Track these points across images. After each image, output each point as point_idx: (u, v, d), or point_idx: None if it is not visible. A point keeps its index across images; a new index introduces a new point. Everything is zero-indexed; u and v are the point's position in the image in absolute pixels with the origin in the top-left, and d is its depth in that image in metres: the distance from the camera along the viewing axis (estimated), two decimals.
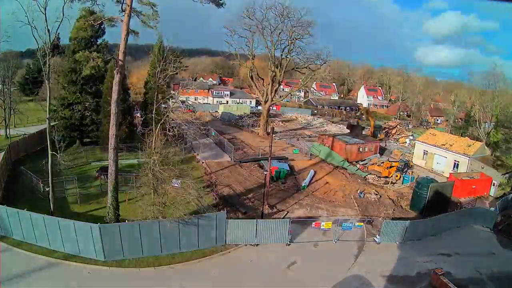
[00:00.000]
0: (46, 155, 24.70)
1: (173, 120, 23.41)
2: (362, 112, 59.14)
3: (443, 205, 28.24)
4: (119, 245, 19.10)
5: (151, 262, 19.32)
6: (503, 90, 55.33)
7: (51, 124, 26.89)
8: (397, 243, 23.36)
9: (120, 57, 19.57)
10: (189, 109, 72.80)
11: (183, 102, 76.13)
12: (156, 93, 22.97)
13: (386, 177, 35.82)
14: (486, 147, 40.77)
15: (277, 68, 50.40)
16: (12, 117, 44.22)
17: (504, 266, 21.74)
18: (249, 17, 47.88)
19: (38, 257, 19.09)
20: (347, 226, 23.19)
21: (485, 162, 35.98)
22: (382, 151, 45.84)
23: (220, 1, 22.03)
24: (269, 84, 51.41)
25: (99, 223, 18.96)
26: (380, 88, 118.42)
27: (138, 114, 47.10)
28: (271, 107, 58.13)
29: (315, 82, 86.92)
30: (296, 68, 55.25)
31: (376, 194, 30.69)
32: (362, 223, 24.38)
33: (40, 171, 28.45)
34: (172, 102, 25.71)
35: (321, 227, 23.06)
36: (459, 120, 70.51)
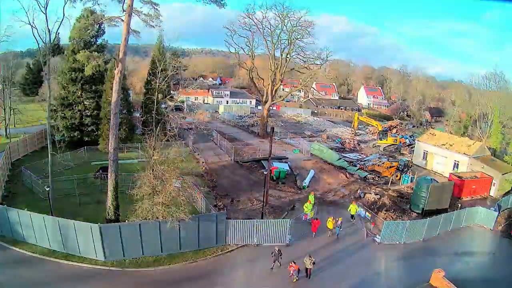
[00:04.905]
0: (46, 155, 24.74)
1: (174, 118, 23.44)
2: (356, 123, 54.64)
3: (443, 205, 28.26)
4: (119, 245, 19.09)
5: (151, 262, 19.32)
6: (504, 90, 55.39)
7: (51, 124, 26.89)
8: (397, 243, 23.36)
9: (120, 57, 19.58)
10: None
11: (182, 102, 76.39)
12: (156, 93, 22.97)
13: (386, 177, 35.80)
14: (486, 147, 40.74)
15: (277, 68, 50.41)
16: (12, 117, 44.26)
17: (503, 266, 21.74)
18: (249, 17, 47.96)
19: (38, 257, 19.09)
20: (360, 212, 24.59)
21: (485, 162, 35.95)
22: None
23: (221, 1, 22.03)
24: (269, 84, 51.42)
25: (99, 223, 18.95)
26: (380, 88, 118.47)
27: (138, 114, 47.10)
28: (271, 107, 58.14)
29: (315, 82, 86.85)
30: (296, 68, 55.28)
31: (376, 194, 30.67)
32: (370, 214, 24.58)
33: (40, 171, 28.46)
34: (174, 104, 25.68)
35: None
36: (459, 120, 70.40)
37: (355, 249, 22.44)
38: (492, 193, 33.53)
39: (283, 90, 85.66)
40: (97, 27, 33.97)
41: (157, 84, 21.57)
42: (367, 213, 25.85)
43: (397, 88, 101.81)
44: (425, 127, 74.70)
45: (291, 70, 55.81)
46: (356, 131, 58.89)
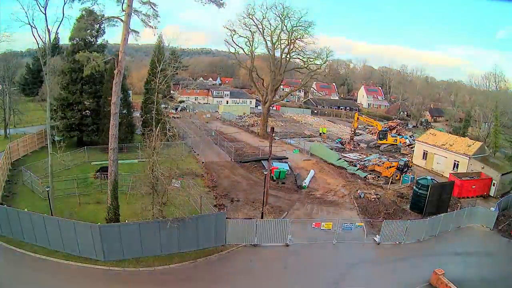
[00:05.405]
0: (46, 155, 24.73)
1: (174, 117, 23.50)
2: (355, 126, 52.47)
3: (443, 205, 28.25)
4: (119, 245, 19.08)
5: (150, 262, 19.30)
6: (504, 90, 55.41)
7: (51, 124, 26.88)
8: (397, 243, 23.35)
9: (120, 57, 19.57)
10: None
11: (181, 102, 76.40)
12: (156, 93, 22.98)
13: (386, 177, 35.79)
14: (486, 147, 40.73)
15: (277, 68, 50.43)
16: (12, 117, 44.24)
17: (504, 266, 21.73)
18: (249, 17, 48.02)
19: (38, 257, 19.09)
20: (348, 226, 23.19)
21: (485, 162, 35.94)
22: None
23: (220, 1, 22.01)
24: (269, 84, 51.45)
25: (99, 223, 18.97)
26: (380, 88, 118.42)
27: (138, 114, 47.11)
28: (271, 107, 58.16)
29: (315, 82, 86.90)
30: (296, 68, 55.32)
31: (376, 194, 30.67)
32: (362, 224, 24.37)
33: (40, 171, 28.46)
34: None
35: (321, 228, 23.02)
36: (459, 120, 70.47)
37: (355, 249, 22.45)
38: (492, 193, 33.51)
39: (283, 90, 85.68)
40: (97, 27, 33.94)
41: (157, 84, 21.57)
42: (357, 223, 24.17)
43: (397, 88, 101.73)
44: (425, 127, 74.70)
45: (291, 70, 55.88)
46: (356, 131, 58.86)
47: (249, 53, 50.73)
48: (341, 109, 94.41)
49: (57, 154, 22.73)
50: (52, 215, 20.64)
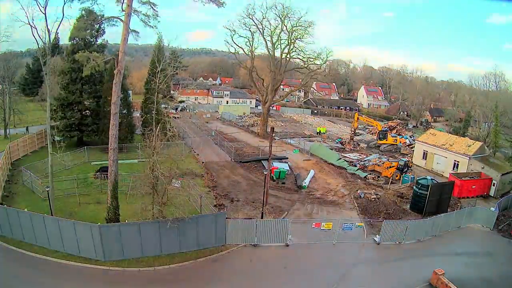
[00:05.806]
0: (46, 155, 24.73)
1: (174, 117, 23.54)
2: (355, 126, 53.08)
3: (443, 205, 28.25)
4: (119, 245, 19.08)
5: (150, 262, 19.31)
6: (504, 90, 55.39)
7: (51, 124, 26.88)
8: (397, 243, 23.35)
9: (120, 57, 19.56)
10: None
11: (181, 102, 76.43)
12: (156, 93, 22.98)
13: (386, 177, 35.79)
14: (486, 147, 40.72)
15: (277, 68, 50.43)
16: (12, 117, 44.26)
17: (503, 266, 21.73)
18: (249, 17, 48.03)
19: (38, 257, 19.09)
20: (348, 226, 23.20)
21: (485, 162, 35.94)
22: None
23: (220, 1, 22.01)
24: (269, 84, 51.45)
25: (99, 223, 18.96)
26: (380, 88, 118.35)
27: (138, 114, 47.14)
28: (271, 107, 58.14)
29: (315, 82, 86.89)
30: (296, 68, 55.32)
31: (376, 194, 30.67)
32: (362, 224, 24.37)
33: (40, 171, 28.45)
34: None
35: (321, 228, 23.01)
36: (459, 120, 70.43)
37: (355, 249, 22.44)
38: (492, 193, 33.51)
39: (283, 90, 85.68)
40: (97, 27, 33.95)
41: (157, 84, 21.58)
42: (357, 223, 24.31)
43: (397, 88, 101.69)
44: (425, 127, 74.69)
45: (291, 70, 55.88)
46: (356, 131, 58.84)
47: (249, 53, 50.75)
48: (341, 109, 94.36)
49: (57, 154, 22.73)
50: (52, 215, 20.63)
